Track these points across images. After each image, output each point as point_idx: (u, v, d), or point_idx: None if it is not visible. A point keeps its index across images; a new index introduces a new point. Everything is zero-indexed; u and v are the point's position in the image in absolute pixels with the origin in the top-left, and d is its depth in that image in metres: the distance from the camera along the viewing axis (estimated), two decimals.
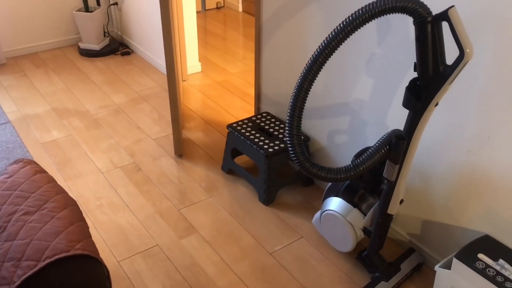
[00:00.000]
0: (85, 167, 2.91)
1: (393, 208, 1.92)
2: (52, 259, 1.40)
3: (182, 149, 3.03)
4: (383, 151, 1.72)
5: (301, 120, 1.68)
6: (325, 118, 2.54)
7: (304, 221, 2.51)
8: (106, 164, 2.93)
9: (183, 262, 2.26)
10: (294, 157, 1.69)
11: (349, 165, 1.72)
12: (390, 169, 1.78)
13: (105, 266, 1.53)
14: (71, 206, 1.67)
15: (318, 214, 2.33)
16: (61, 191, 1.74)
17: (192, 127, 3.34)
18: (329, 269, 2.22)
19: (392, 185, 1.84)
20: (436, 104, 1.63)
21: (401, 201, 1.92)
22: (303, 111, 1.68)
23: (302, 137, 2.06)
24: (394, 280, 2.09)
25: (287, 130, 1.68)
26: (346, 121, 2.42)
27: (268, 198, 2.61)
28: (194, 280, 2.16)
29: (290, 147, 1.69)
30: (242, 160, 2.95)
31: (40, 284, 1.39)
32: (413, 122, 1.68)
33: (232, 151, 2.79)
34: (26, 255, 1.43)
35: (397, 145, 1.70)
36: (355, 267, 2.23)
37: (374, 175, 2.05)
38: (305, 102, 1.65)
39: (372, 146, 1.73)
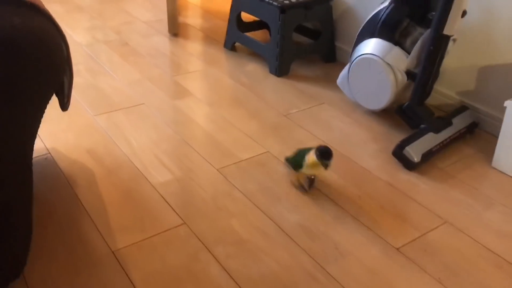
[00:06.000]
0: None
1: (453, 24, 1.47)
2: None
3: (177, 28, 2.57)
4: None
5: None
6: None
7: (325, 91, 2.04)
8: (87, 39, 2.47)
9: (175, 118, 1.80)
10: None
11: None
12: None
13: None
14: None
15: (345, 69, 1.87)
16: None
17: (191, 15, 2.87)
18: (357, 130, 1.76)
19: None
20: None
21: (464, 13, 1.46)
22: None
23: None
24: (445, 134, 1.63)
25: None
26: None
27: (281, 67, 2.14)
28: (188, 134, 1.70)
29: None
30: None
31: None
32: None
33: (238, 23, 2.32)
34: None
35: None
36: (390, 129, 1.77)
37: None
38: None
39: None
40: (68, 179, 1.46)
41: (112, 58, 2.26)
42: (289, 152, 1.61)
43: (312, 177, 1.45)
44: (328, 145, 1.37)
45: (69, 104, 1.25)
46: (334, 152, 1.62)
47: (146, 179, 1.47)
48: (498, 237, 1.30)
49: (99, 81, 2.05)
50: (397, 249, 1.25)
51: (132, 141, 1.65)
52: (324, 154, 1.34)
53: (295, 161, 1.43)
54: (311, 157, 1.36)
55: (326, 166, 1.34)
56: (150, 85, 2.03)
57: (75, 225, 1.29)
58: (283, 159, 1.58)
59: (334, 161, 1.58)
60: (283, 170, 1.54)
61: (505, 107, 1.47)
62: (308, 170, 1.39)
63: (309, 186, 1.45)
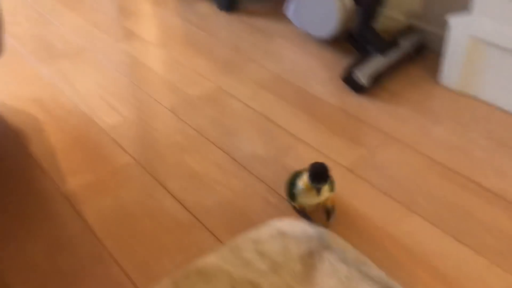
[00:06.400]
0: None
1: None
2: None
3: None
4: None
5: None
6: None
7: (276, 24, 2.01)
8: None
9: (122, 61, 1.75)
10: None
11: None
12: None
13: None
14: None
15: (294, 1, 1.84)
16: None
17: None
18: (309, 60, 1.76)
19: None
20: None
21: None
22: None
23: None
24: (393, 56, 1.64)
25: None
26: None
27: (230, 3, 2.09)
28: (136, 76, 1.66)
29: None
30: None
31: None
32: None
33: None
34: None
35: None
36: (341, 58, 1.77)
37: None
38: None
39: None
40: (14, 128, 1.42)
41: (52, 6, 2.16)
42: (242, 87, 1.60)
43: (331, 206, 1.14)
44: (323, 163, 1.04)
45: (2, 47, 1.19)
46: (285, 82, 1.62)
47: (96, 123, 1.45)
48: (445, 150, 1.34)
49: (40, 29, 1.97)
50: (347, 167, 1.28)
51: (79, 87, 1.61)
52: (316, 176, 1.01)
53: (288, 192, 1.11)
54: (303, 180, 1.06)
55: (318, 191, 1.04)
56: (95, 30, 1.96)
57: (24, 173, 1.26)
58: (235, 94, 1.57)
59: (285, 91, 1.58)
60: (235, 104, 1.53)
61: (448, 23, 1.48)
62: (304, 198, 1.07)
63: (328, 218, 1.13)
